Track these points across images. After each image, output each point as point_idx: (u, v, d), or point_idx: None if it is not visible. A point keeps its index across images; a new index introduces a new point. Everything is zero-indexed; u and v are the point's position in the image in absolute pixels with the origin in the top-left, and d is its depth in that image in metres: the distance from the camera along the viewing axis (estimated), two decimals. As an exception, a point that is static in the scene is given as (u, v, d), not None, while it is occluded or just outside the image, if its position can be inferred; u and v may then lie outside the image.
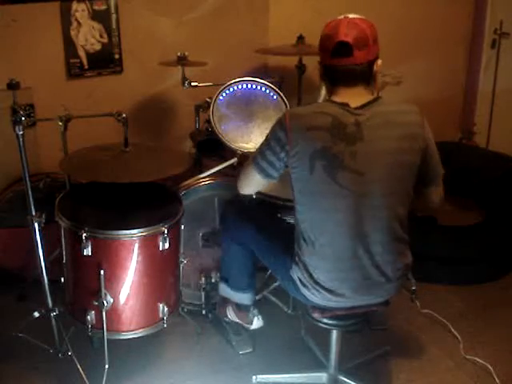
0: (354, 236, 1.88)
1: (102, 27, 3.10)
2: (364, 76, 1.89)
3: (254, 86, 2.79)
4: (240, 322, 2.48)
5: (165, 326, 2.33)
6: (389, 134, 1.86)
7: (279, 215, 2.45)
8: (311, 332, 2.56)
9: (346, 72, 1.87)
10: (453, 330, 2.67)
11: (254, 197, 2.48)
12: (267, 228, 2.22)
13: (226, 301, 2.48)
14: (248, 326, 2.45)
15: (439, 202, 2.10)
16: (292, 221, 2.10)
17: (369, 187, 1.86)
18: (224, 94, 2.73)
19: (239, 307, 2.44)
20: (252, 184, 2.10)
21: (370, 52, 1.86)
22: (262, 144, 1.98)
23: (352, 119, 1.84)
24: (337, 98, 1.90)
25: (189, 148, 3.04)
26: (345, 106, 1.87)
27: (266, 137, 1.96)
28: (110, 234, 2.17)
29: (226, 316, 2.52)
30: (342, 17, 1.88)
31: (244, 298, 2.41)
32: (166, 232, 2.20)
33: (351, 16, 1.88)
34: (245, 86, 2.77)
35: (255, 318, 2.42)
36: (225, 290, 2.44)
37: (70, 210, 2.28)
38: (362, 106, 1.87)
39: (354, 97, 1.88)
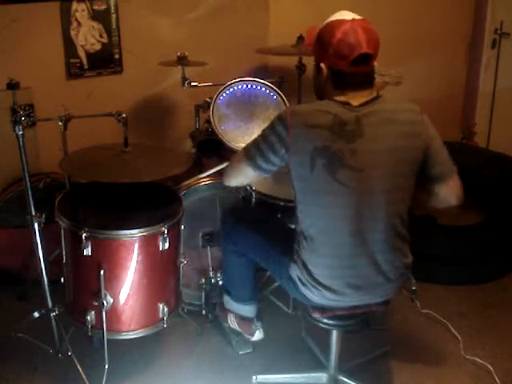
0: (354, 233, 1.88)
1: (101, 27, 3.10)
2: (371, 79, 1.91)
3: (254, 86, 2.79)
4: (241, 331, 2.48)
5: (165, 326, 2.33)
6: (389, 132, 1.86)
7: (279, 215, 2.45)
8: (311, 332, 2.56)
9: (358, 77, 1.87)
10: (453, 330, 2.67)
11: (254, 198, 2.49)
12: (265, 229, 2.22)
13: (227, 309, 2.49)
14: (249, 337, 2.45)
15: (456, 197, 2.05)
16: (292, 226, 2.10)
17: (369, 184, 1.86)
18: (224, 94, 2.73)
19: (242, 318, 2.45)
20: (242, 177, 2.06)
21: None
22: (257, 139, 1.96)
23: (352, 115, 1.84)
24: (339, 98, 1.89)
25: (189, 148, 3.04)
26: (346, 104, 1.87)
27: (263, 132, 1.94)
28: (110, 234, 2.17)
29: (227, 322, 2.52)
30: (348, 17, 1.86)
31: (247, 309, 2.41)
32: (165, 232, 2.20)
33: (357, 17, 1.87)
34: (245, 86, 2.77)
35: (257, 331, 2.42)
36: (228, 301, 2.45)
37: (69, 210, 2.28)
38: (363, 104, 1.87)
39: (358, 97, 1.88)
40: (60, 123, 2.42)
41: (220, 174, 2.61)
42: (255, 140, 1.97)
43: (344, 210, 1.87)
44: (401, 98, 1.97)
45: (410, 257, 2.02)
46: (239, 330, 2.48)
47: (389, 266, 1.94)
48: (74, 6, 3.01)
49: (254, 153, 1.94)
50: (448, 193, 2.04)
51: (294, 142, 1.85)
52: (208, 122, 2.73)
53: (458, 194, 2.05)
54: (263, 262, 2.22)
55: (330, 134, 1.82)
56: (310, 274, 1.94)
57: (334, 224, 1.88)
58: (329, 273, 1.92)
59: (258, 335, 2.43)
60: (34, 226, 2.22)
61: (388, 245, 1.92)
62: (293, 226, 2.09)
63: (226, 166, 2.14)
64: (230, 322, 2.50)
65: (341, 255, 1.91)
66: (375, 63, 1.90)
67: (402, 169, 1.88)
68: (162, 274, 2.31)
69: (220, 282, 2.60)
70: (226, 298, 2.45)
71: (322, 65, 1.92)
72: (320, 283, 1.93)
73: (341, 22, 1.86)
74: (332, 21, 1.89)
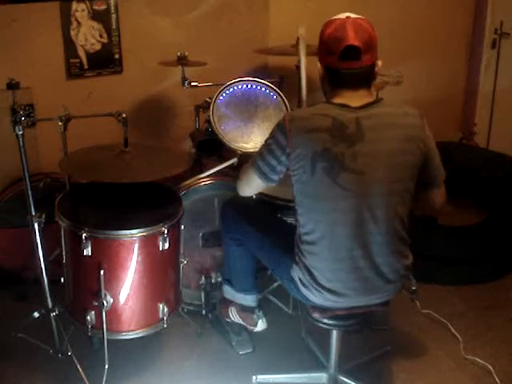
0: (355, 237, 1.88)
1: (101, 27, 3.09)
2: (368, 78, 1.90)
3: (254, 86, 2.78)
4: (243, 323, 2.47)
5: (165, 326, 2.33)
6: (389, 135, 1.86)
7: (279, 215, 2.45)
8: (311, 332, 2.56)
9: (352, 75, 1.86)
10: (453, 329, 2.67)
11: (254, 197, 2.49)
12: (267, 228, 2.22)
13: (228, 302, 2.48)
14: (252, 328, 2.44)
15: (441, 203, 2.11)
16: (292, 221, 2.10)
17: (370, 187, 1.86)
18: (224, 94, 2.73)
19: (244, 308, 2.44)
20: (252, 187, 2.09)
21: (374, 54, 1.87)
22: (261, 148, 1.97)
23: (352, 117, 1.84)
24: (337, 100, 1.89)
25: (189, 148, 3.03)
26: (345, 106, 1.86)
27: (266, 140, 1.95)
28: (110, 234, 2.17)
29: (228, 317, 2.51)
30: (343, 16, 1.87)
31: (248, 299, 2.40)
32: (165, 232, 2.20)
33: (353, 16, 1.87)
34: (245, 86, 2.77)
35: (260, 321, 2.42)
36: (228, 291, 2.44)
37: (70, 210, 2.28)
38: (363, 107, 1.87)
39: (356, 98, 1.88)
40: (60, 123, 2.43)
41: (220, 173, 2.62)
42: (260, 149, 1.98)
43: (345, 214, 1.87)
44: (400, 102, 1.96)
45: (410, 258, 2.02)
46: (242, 322, 2.47)
47: (389, 268, 1.94)
48: (74, 5, 3.00)
49: (259, 162, 1.96)
50: (436, 198, 2.10)
51: (295, 147, 1.85)
52: (208, 121, 2.73)
53: (444, 200, 2.12)
54: (264, 259, 2.22)
55: (329, 137, 1.82)
56: (311, 276, 1.94)
57: (335, 228, 1.88)
58: (330, 276, 1.92)
59: (261, 325, 2.42)
60: (33, 226, 2.22)
61: (388, 247, 1.92)
62: (293, 221, 2.09)
63: (238, 177, 2.15)
64: (231, 315, 2.49)
65: (341, 258, 1.90)
66: (379, 62, 1.89)
67: (402, 172, 1.89)
68: (162, 274, 2.31)
69: (219, 280, 2.59)
70: (227, 288, 2.44)
71: (318, 64, 1.93)
72: (321, 285, 1.93)
73: (334, 20, 1.88)
74: (327, 20, 1.90)
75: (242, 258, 2.33)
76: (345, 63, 1.84)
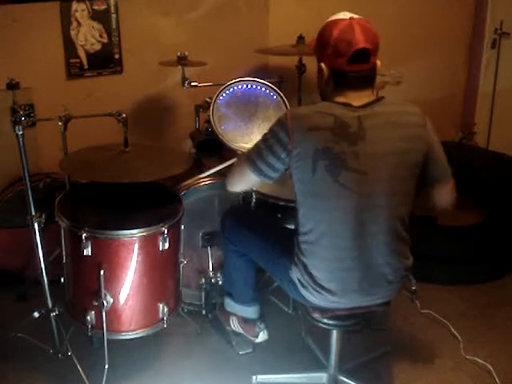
0: (355, 236, 1.88)
1: (101, 27, 3.09)
2: (372, 79, 1.90)
3: (254, 86, 2.79)
4: (245, 334, 2.47)
5: (165, 326, 2.33)
6: (391, 135, 1.86)
7: (279, 215, 2.45)
8: (311, 332, 2.56)
9: (359, 77, 1.86)
10: (453, 330, 2.67)
11: (254, 198, 2.49)
12: (266, 231, 2.22)
13: (229, 313, 2.48)
14: (253, 338, 2.45)
15: (450, 200, 2.09)
16: (292, 227, 2.09)
17: (371, 187, 1.85)
18: (224, 94, 2.73)
19: (245, 320, 2.44)
20: (245, 183, 2.06)
21: (377, 55, 1.87)
22: (258, 144, 1.94)
23: (354, 116, 1.83)
24: (340, 100, 1.88)
25: (189, 148, 3.03)
26: (347, 105, 1.86)
27: (264, 137, 1.93)
28: (110, 234, 2.17)
29: (230, 326, 2.52)
30: (345, 16, 1.86)
31: (249, 311, 2.41)
32: (165, 232, 2.20)
33: (355, 16, 1.87)
34: (245, 86, 2.77)
35: (261, 332, 2.42)
36: (229, 304, 2.44)
37: (70, 210, 2.28)
38: (365, 105, 1.87)
39: (359, 98, 1.88)
40: (60, 123, 2.42)
41: (220, 173, 2.62)
42: (256, 145, 1.96)
43: (345, 213, 1.86)
44: (402, 100, 1.96)
45: (410, 259, 2.01)
46: (243, 332, 2.48)
47: (389, 268, 1.94)
48: (74, 5, 3.00)
49: (255, 158, 1.93)
50: (444, 195, 2.08)
51: (296, 145, 1.83)
52: (208, 122, 2.73)
53: (452, 196, 2.09)
54: (263, 263, 2.21)
55: (331, 136, 1.81)
56: (310, 276, 1.93)
57: (335, 227, 1.88)
58: (330, 276, 1.92)
59: (262, 336, 2.43)
60: (33, 226, 2.22)
61: (389, 247, 1.92)
62: (292, 227, 2.09)
63: (229, 172, 2.13)
64: (232, 325, 2.50)
65: (341, 258, 1.90)
66: (378, 62, 1.89)
67: (403, 172, 1.88)
68: (162, 274, 2.31)
69: (220, 282, 2.59)
70: (228, 301, 2.45)
71: (323, 65, 1.91)
72: (321, 286, 1.93)
73: (338, 21, 1.86)
74: (330, 20, 1.89)
75: (242, 269, 2.33)
76: (354, 66, 1.83)
